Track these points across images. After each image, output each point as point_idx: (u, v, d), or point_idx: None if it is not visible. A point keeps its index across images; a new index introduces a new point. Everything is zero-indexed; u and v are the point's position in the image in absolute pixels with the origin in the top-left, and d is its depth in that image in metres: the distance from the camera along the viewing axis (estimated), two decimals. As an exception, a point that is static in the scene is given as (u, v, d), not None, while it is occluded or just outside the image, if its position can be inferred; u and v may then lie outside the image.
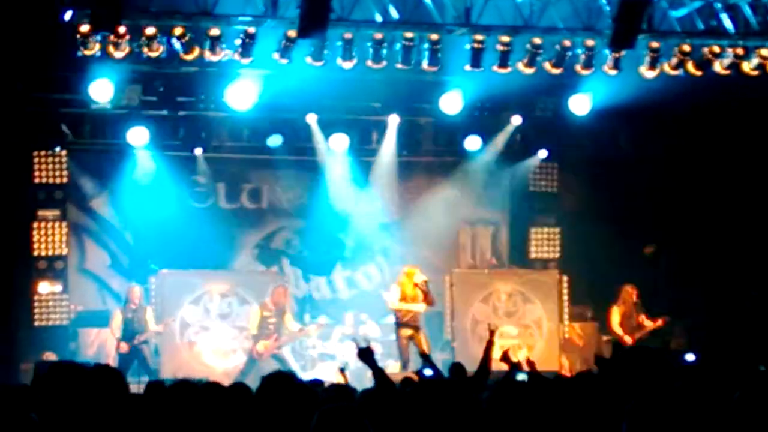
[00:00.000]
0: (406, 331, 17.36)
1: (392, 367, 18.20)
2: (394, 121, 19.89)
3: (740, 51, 17.75)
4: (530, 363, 9.61)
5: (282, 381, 5.65)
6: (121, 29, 15.84)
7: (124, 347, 17.64)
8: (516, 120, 20.10)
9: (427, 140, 20.69)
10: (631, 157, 20.58)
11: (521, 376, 9.00)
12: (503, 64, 17.39)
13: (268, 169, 20.03)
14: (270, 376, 5.69)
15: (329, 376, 17.14)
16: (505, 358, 9.76)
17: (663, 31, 17.58)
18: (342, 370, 10.13)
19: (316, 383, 11.56)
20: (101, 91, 17.73)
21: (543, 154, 20.56)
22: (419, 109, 20.05)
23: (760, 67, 17.84)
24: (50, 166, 18.87)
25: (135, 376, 17.29)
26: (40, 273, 18.79)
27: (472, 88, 18.84)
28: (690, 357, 9.62)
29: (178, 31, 16.25)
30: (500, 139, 20.29)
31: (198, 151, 19.61)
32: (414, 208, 20.57)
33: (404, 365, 17.18)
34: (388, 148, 20.11)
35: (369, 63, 17.09)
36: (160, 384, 9.02)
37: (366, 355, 6.86)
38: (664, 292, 19.10)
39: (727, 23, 17.59)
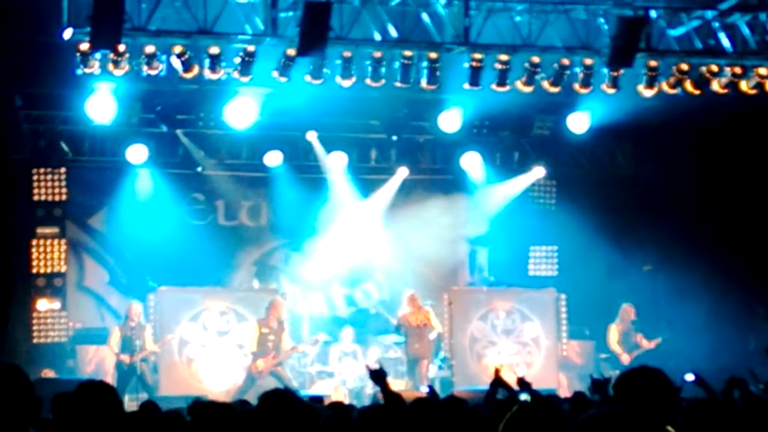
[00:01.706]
0: None
1: (393, 385, 18.20)
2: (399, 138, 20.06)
3: (738, 70, 17.81)
4: (520, 381, 9.56)
5: (281, 398, 5.66)
6: (121, 47, 15.89)
7: (126, 359, 17.60)
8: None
9: (426, 158, 20.74)
10: (629, 175, 20.61)
11: (524, 397, 8.99)
12: (502, 82, 17.45)
13: (266, 186, 20.05)
14: (269, 394, 5.69)
15: (328, 393, 17.17)
16: (496, 380, 9.67)
17: (661, 50, 17.64)
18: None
19: (316, 400, 11.58)
20: (100, 109, 17.79)
21: (540, 171, 20.58)
22: (418, 127, 20.11)
23: (758, 86, 17.88)
24: (49, 184, 18.89)
25: (133, 392, 17.29)
26: (39, 290, 18.78)
27: (471, 106, 18.91)
28: (689, 377, 9.59)
29: (177, 49, 16.29)
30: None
31: (199, 168, 19.64)
32: (412, 225, 20.56)
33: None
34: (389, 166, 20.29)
35: (368, 81, 17.14)
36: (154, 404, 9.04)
37: (378, 376, 6.84)
38: (662, 310, 19.10)
39: (725, 42, 17.65)
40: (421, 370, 18.31)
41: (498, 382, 9.83)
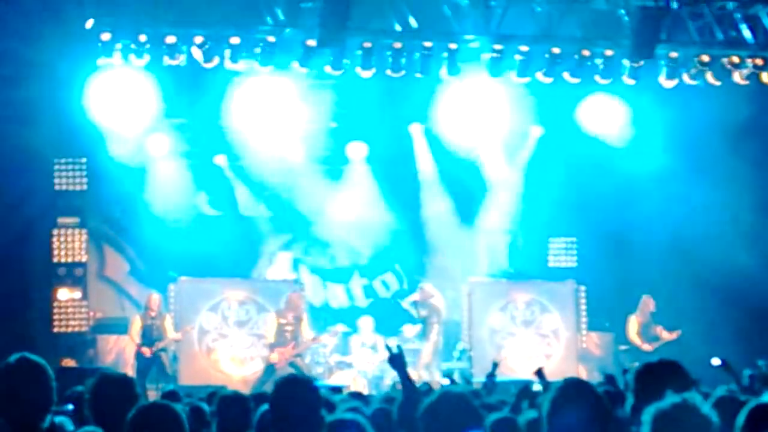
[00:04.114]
0: None
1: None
2: (416, 130, 19.90)
3: (759, 61, 17.73)
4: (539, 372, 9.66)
5: (297, 385, 5.66)
6: (142, 37, 15.93)
7: (147, 351, 17.65)
8: (536, 131, 20.07)
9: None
10: (650, 166, 20.50)
11: (537, 386, 9.01)
12: (522, 73, 17.41)
13: (287, 176, 20.04)
14: (284, 380, 5.69)
15: (347, 383, 17.22)
16: (538, 373, 9.75)
17: (682, 41, 17.58)
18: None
19: (335, 390, 11.61)
20: (121, 99, 17.82)
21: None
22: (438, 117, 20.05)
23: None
24: (70, 174, 18.93)
25: (153, 382, 17.37)
26: (60, 280, 18.83)
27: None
28: (716, 361, 9.62)
29: (198, 39, 16.32)
30: (521, 150, 20.32)
31: (219, 159, 19.68)
32: (431, 216, 20.56)
33: None
34: (411, 157, 20.22)
35: (388, 72, 17.14)
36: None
37: (397, 361, 6.83)
38: (682, 302, 19.03)
39: (747, 33, 17.57)
40: None
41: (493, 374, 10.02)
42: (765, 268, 18.77)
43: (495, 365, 10.82)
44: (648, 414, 4.00)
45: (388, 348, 7.06)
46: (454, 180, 20.56)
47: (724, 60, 17.68)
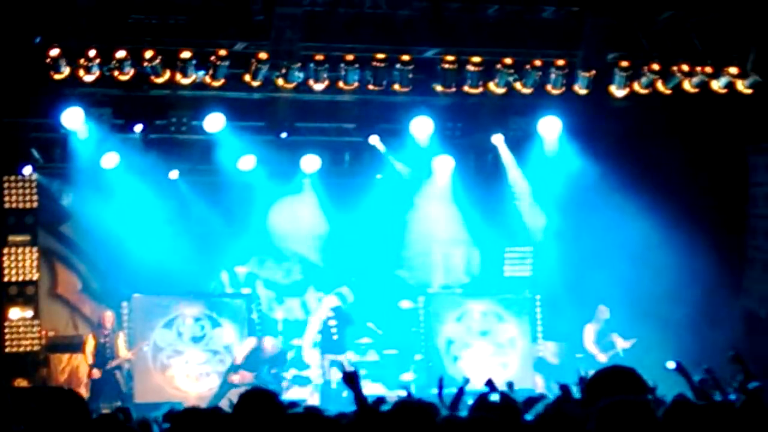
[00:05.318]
0: None
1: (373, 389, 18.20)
2: (373, 141, 19.76)
3: (709, 70, 17.87)
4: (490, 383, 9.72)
5: (260, 399, 5.61)
6: (91, 53, 15.79)
7: (96, 373, 17.54)
8: (497, 139, 19.86)
9: (399, 162, 20.66)
10: (602, 175, 20.60)
11: (495, 396, 9.00)
12: (474, 84, 17.43)
13: (241, 191, 19.92)
14: (247, 394, 5.64)
15: (304, 397, 17.17)
16: (489, 383, 9.78)
17: (633, 50, 17.68)
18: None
19: (293, 405, 11.55)
20: (71, 115, 17.62)
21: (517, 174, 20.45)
22: (391, 130, 20.01)
23: (729, 85, 17.95)
24: (20, 191, 18.74)
25: (108, 401, 17.20)
26: (11, 299, 18.62)
27: (444, 108, 18.86)
28: (671, 365, 9.68)
29: (148, 54, 16.20)
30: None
31: (172, 174, 19.51)
32: (388, 229, 20.52)
33: None
34: (363, 169, 20.15)
35: (340, 84, 17.10)
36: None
37: (351, 379, 6.78)
38: (637, 309, 19.11)
39: (697, 42, 17.70)
40: None
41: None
42: (714, 273, 18.89)
43: (467, 380, 10.80)
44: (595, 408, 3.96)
45: (341, 368, 7.04)
46: (412, 190, 20.55)
47: (675, 69, 17.79)
